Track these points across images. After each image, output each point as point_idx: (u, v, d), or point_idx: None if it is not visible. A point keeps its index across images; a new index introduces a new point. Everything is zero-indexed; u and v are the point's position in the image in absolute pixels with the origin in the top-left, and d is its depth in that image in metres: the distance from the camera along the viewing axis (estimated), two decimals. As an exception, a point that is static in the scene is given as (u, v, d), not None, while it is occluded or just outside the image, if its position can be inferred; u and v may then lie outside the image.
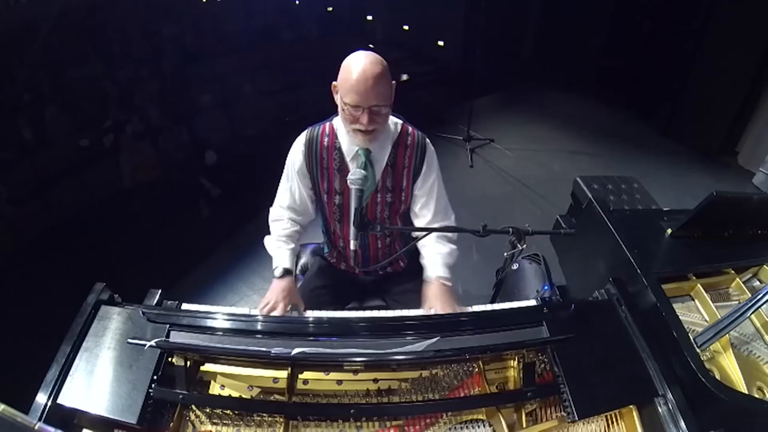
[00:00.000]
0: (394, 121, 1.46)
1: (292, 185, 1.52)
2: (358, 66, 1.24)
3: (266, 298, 1.39)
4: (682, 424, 1.01)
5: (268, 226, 1.59)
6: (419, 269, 1.73)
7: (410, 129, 1.48)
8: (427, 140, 1.49)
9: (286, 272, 1.47)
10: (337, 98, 1.32)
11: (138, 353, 1.08)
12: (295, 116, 4.58)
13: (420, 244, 1.57)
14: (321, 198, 1.53)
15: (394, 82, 1.32)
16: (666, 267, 1.45)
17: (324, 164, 1.45)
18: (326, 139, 1.43)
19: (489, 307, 1.43)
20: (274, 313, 1.35)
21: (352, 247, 1.22)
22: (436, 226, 1.53)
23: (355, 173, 1.23)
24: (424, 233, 1.48)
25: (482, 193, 3.74)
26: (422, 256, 1.57)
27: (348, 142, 1.41)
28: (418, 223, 1.57)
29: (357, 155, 1.40)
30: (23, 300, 2.62)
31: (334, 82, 1.31)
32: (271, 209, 1.59)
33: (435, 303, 1.43)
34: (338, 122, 1.41)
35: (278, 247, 1.53)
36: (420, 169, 1.48)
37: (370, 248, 1.62)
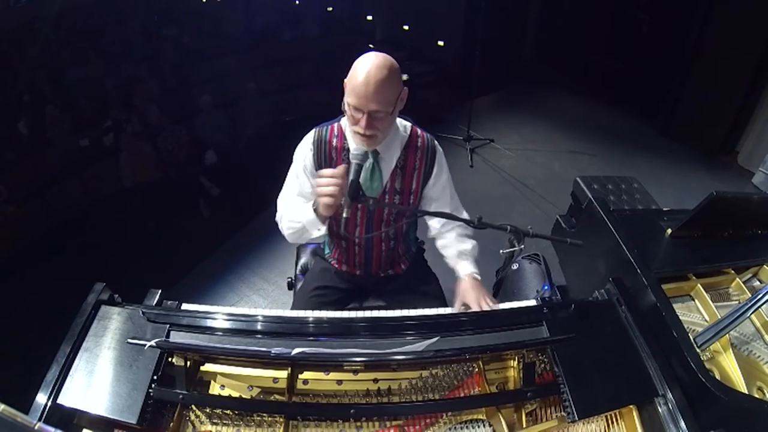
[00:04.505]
0: (403, 124, 1.45)
1: (302, 187, 1.48)
2: (363, 68, 1.22)
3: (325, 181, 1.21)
4: (682, 424, 1.01)
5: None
6: (420, 272, 1.72)
7: (419, 131, 1.48)
8: (436, 142, 1.50)
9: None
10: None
11: (138, 353, 1.08)
12: (294, 116, 4.59)
13: (441, 246, 1.59)
14: None
15: (405, 88, 1.30)
16: (666, 267, 1.45)
17: (333, 164, 1.43)
18: (335, 140, 1.43)
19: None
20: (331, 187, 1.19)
21: (344, 214, 1.18)
22: (439, 218, 1.53)
23: (357, 149, 1.25)
24: (436, 232, 1.48)
25: (482, 193, 3.74)
26: (446, 257, 1.57)
27: (355, 144, 1.40)
28: (434, 225, 1.58)
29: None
30: (23, 300, 2.62)
31: (345, 80, 1.29)
32: (277, 215, 1.52)
33: (469, 295, 1.42)
34: (346, 123, 1.40)
35: (300, 209, 1.38)
36: (431, 172, 1.48)
37: (373, 250, 1.61)
